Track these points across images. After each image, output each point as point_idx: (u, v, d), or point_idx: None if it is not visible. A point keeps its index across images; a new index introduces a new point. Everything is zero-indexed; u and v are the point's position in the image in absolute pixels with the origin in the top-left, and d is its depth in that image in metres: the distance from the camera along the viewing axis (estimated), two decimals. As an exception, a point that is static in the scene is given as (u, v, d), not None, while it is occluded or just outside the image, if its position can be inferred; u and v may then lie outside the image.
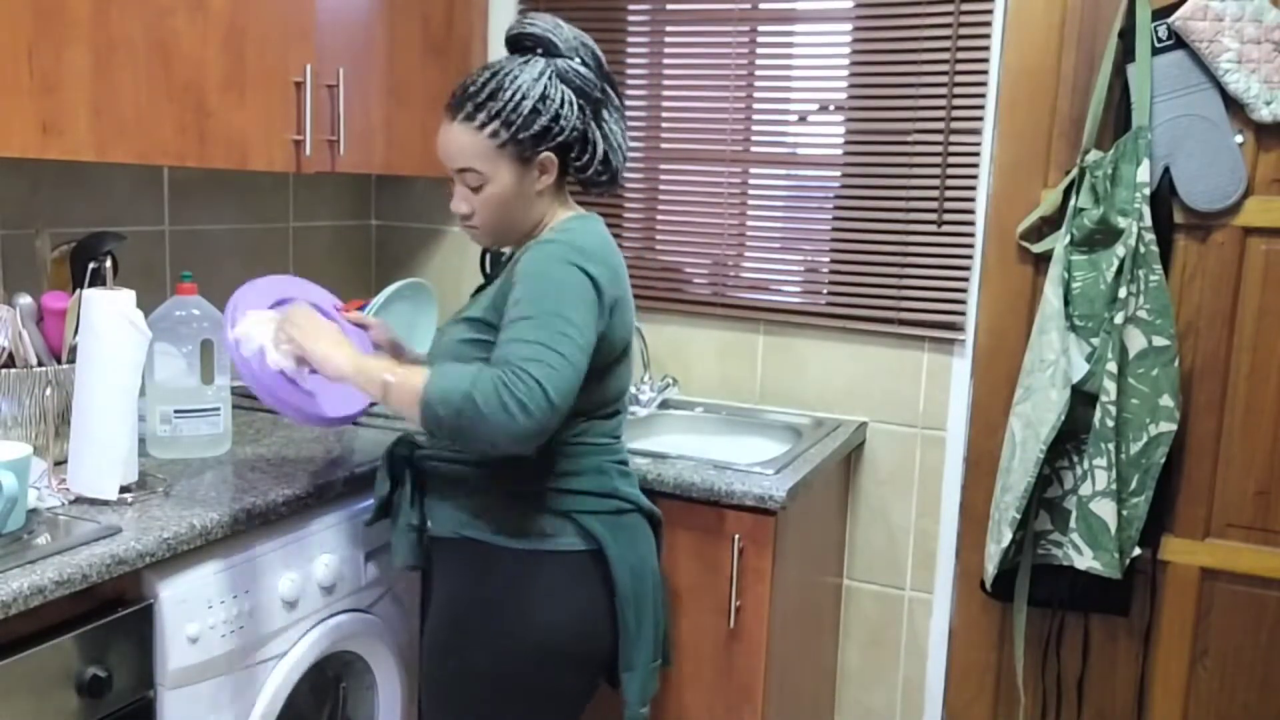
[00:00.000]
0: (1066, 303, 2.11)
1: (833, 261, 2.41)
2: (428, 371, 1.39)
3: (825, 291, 2.43)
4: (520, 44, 1.53)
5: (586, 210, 1.62)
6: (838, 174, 2.39)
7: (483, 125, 1.48)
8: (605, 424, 1.58)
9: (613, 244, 1.55)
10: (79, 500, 1.55)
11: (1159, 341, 2.05)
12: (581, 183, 1.60)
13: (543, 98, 1.47)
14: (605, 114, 1.56)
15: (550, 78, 1.49)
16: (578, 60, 1.51)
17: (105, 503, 1.54)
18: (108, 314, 1.53)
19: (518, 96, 1.47)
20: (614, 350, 1.53)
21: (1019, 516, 2.10)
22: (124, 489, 1.57)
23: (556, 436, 1.49)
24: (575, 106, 1.50)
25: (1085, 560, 2.09)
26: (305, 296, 1.76)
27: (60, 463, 1.69)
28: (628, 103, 2.54)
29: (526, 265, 1.45)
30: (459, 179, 1.53)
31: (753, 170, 2.47)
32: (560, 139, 1.50)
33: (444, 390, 1.35)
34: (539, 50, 1.51)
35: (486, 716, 1.53)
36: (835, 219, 2.40)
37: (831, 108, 2.39)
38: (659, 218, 2.57)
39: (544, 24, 1.51)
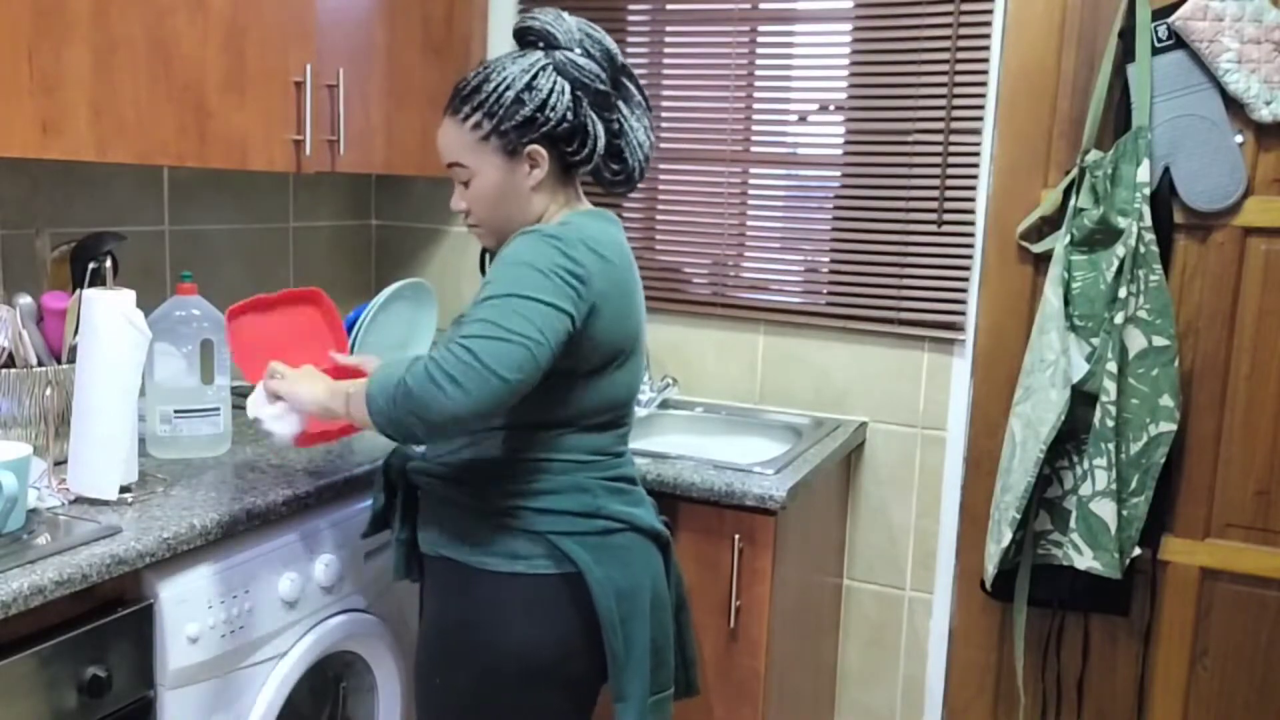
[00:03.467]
0: (1066, 303, 2.11)
1: (833, 261, 2.41)
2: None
3: (825, 291, 2.43)
4: (524, 39, 1.49)
5: (601, 209, 1.56)
6: (838, 174, 2.39)
7: (466, 118, 1.45)
8: (590, 437, 1.49)
9: (620, 242, 1.50)
10: (79, 500, 1.55)
11: (1159, 341, 2.05)
12: (598, 181, 1.55)
13: (529, 88, 1.43)
14: (618, 108, 1.50)
15: (543, 69, 1.44)
16: (579, 51, 1.46)
17: (105, 503, 1.54)
18: (108, 314, 1.53)
19: (502, 87, 1.43)
20: (599, 354, 1.44)
21: (1019, 516, 2.10)
22: (124, 489, 1.57)
23: (530, 451, 1.46)
24: (568, 97, 1.44)
25: (1085, 560, 2.09)
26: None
27: (60, 462, 1.68)
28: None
29: (502, 252, 1.41)
30: (453, 176, 1.50)
31: (753, 170, 2.47)
32: (547, 129, 1.44)
33: (381, 382, 1.34)
34: (540, 44, 1.47)
35: None
36: (835, 219, 2.40)
37: (831, 108, 2.39)
38: (659, 218, 2.57)
39: (545, 17, 1.48)
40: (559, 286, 1.35)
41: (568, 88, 1.44)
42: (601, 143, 1.47)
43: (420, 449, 1.60)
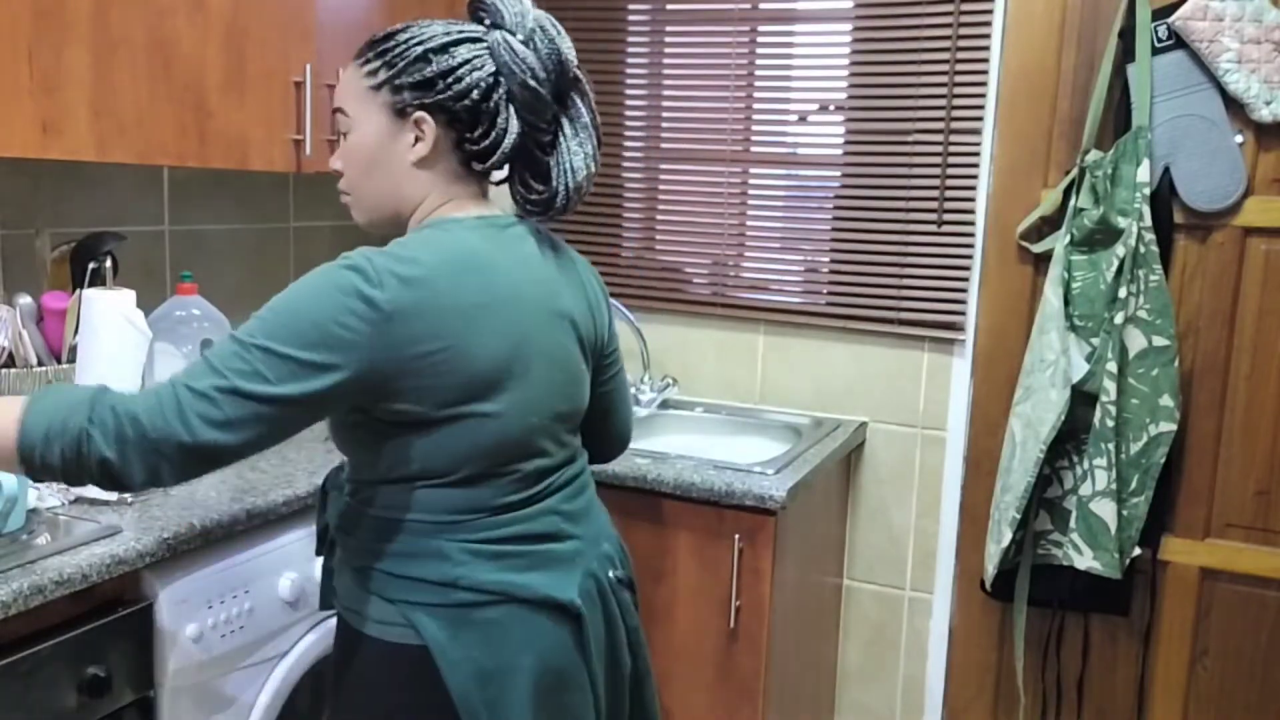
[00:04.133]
0: (1066, 303, 2.11)
1: (833, 261, 2.41)
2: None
3: (825, 291, 2.43)
4: (475, 12, 1.30)
5: (511, 222, 1.31)
6: (838, 174, 2.39)
7: (365, 63, 1.27)
8: (454, 493, 1.24)
9: (484, 261, 1.23)
10: (79, 500, 1.55)
11: (1159, 341, 2.05)
12: (513, 198, 1.34)
13: (442, 49, 1.24)
14: (557, 121, 1.30)
15: (470, 40, 1.25)
16: (520, 38, 1.25)
17: (105, 503, 1.54)
18: (108, 314, 1.53)
19: (413, 41, 1.25)
20: (434, 400, 1.19)
21: (1019, 516, 2.10)
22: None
23: (383, 507, 1.26)
24: (484, 75, 1.24)
25: (1085, 560, 2.09)
26: None
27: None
28: (628, 102, 2.55)
29: (293, 283, 1.18)
30: (336, 125, 1.31)
31: (753, 170, 2.47)
32: (444, 99, 1.23)
33: (43, 417, 1.12)
34: (488, 21, 1.28)
35: None
36: (835, 219, 2.40)
37: (831, 108, 2.39)
38: (659, 218, 2.57)
39: None
40: (335, 333, 1.12)
41: (489, 67, 1.24)
42: (509, 141, 1.26)
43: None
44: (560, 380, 1.31)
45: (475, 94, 1.24)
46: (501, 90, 1.25)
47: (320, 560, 1.45)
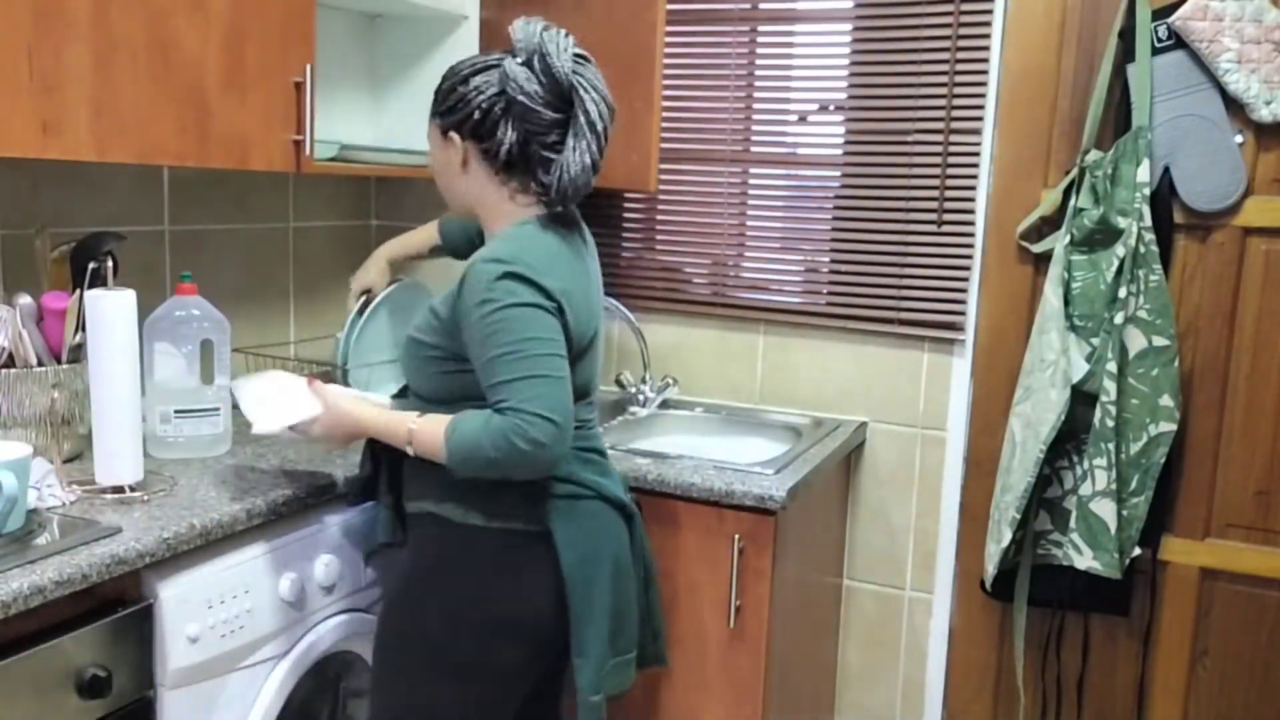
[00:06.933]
0: (1066, 303, 2.11)
1: (833, 261, 2.41)
2: (442, 428, 1.49)
3: (825, 291, 2.43)
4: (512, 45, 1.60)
5: (543, 214, 1.60)
6: (838, 174, 2.39)
7: (432, 100, 1.62)
8: None
9: (553, 243, 1.56)
10: (79, 500, 1.55)
11: (1159, 341, 2.05)
12: (535, 194, 1.60)
13: (464, 80, 1.57)
14: (555, 127, 1.54)
15: (486, 69, 1.56)
16: (519, 61, 1.53)
17: (119, 491, 1.57)
18: (116, 308, 1.54)
19: (453, 76, 1.59)
20: (574, 346, 1.54)
21: (1019, 516, 2.10)
22: (131, 487, 1.58)
23: None
24: (492, 98, 1.54)
25: (1085, 560, 2.09)
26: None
27: (69, 460, 1.69)
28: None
29: (470, 293, 1.48)
30: None
31: (753, 170, 2.47)
32: (461, 118, 1.56)
33: (463, 451, 1.46)
34: (510, 51, 1.58)
35: (426, 682, 1.58)
36: (835, 219, 2.40)
37: (831, 108, 2.39)
38: (659, 218, 2.57)
39: (517, 27, 1.56)
40: (546, 314, 1.48)
41: (493, 90, 1.54)
42: (506, 149, 1.55)
43: None
44: (601, 340, 1.69)
45: (477, 114, 1.55)
46: (501, 106, 1.54)
47: (362, 507, 1.78)
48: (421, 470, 1.58)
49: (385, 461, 1.67)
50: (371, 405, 1.63)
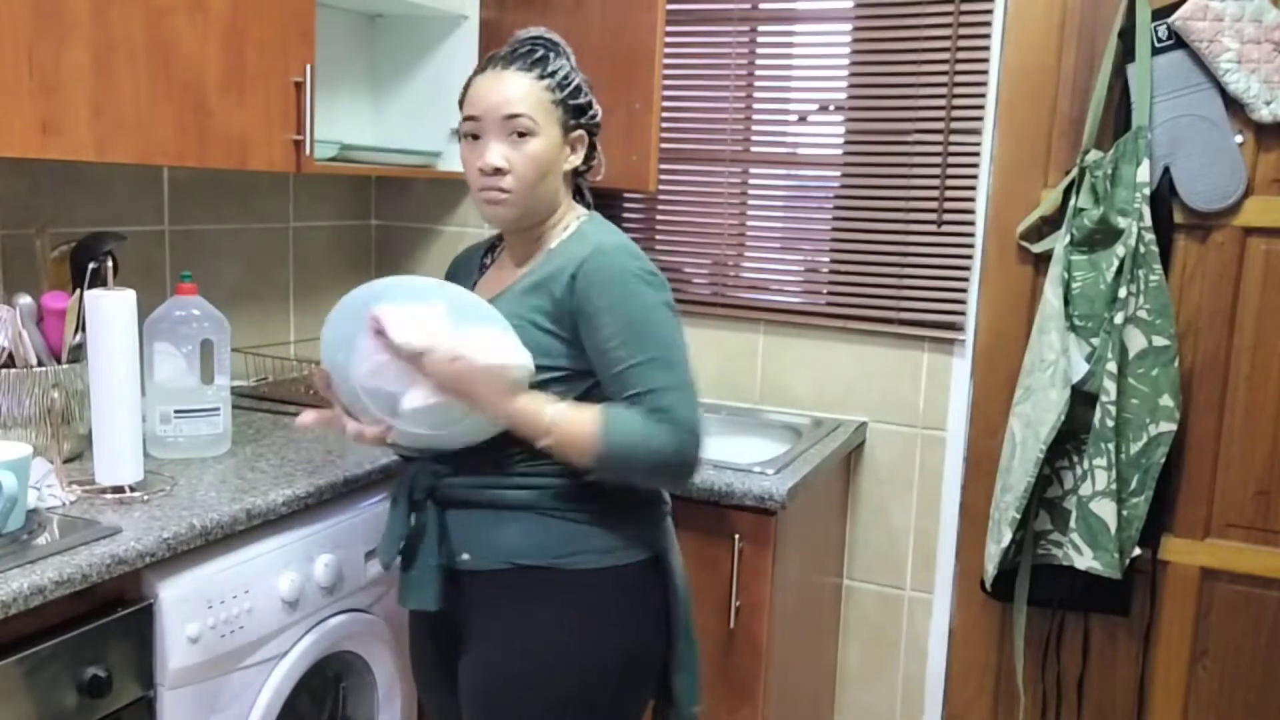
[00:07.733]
0: (1066, 303, 2.11)
1: (833, 261, 2.41)
2: (594, 419, 1.35)
3: (825, 291, 2.43)
4: (533, 43, 1.49)
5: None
6: (838, 174, 2.39)
7: (541, 78, 1.44)
8: None
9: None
10: (79, 500, 1.55)
11: (1159, 341, 2.05)
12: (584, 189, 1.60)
13: (585, 80, 1.50)
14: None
15: (570, 66, 1.50)
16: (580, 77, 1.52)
17: (119, 491, 1.56)
18: (115, 308, 1.54)
19: (568, 68, 1.48)
20: None
21: (1019, 516, 2.10)
22: (130, 487, 1.58)
23: None
24: (588, 88, 1.51)
25: (1085, 560, 2.09)
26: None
27: (68, 460, 1.69)
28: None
29: (612, 284, 1.39)
30: (501, 129, 1.42)
31: (753, 170, 2.47)
32: (592, 124, 1.51)
33: (624, 449, 1.35)
34: (552, 54, 1.49)
35: None
36: (835, 219, 2.40)
37: (831, 108, 2.39)
38: (659, 218, 2.57)
39: (550, 35, 1.51)
40: (676, 315, 1.44)
41: (581, 78, 1.50)
42: (598, 156, 1.55)
43: (440, 466, 1.49)
44: None
45: (596, 120, 1.51)
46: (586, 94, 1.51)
47: (393, 567, 1.53)
48: (495, 519, 1.44)
49: (430, 515, 1.47)
50: (508, 388, 1.39)
